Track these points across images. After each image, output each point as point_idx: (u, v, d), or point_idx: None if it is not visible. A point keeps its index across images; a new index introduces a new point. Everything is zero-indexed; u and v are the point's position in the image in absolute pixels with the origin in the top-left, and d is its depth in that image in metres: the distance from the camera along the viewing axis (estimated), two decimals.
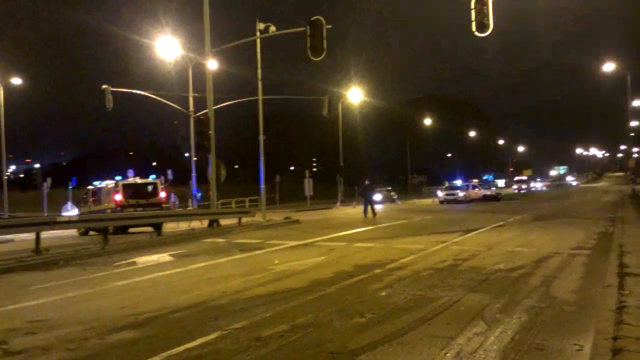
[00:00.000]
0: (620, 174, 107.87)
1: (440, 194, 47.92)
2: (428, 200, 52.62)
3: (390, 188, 55.69)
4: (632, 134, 50.95)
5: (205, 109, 22.91)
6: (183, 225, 22.10)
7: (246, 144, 69.31)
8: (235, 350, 5.13)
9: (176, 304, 7.30)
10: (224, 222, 22.09)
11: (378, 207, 31.86)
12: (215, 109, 24.38)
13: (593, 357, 4.42)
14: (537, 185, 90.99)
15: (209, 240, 17.31)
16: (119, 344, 5.56)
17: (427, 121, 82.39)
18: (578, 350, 4.77)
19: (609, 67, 36.17)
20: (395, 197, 53.70)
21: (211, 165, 21.84)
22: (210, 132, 21.17)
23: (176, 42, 28.48)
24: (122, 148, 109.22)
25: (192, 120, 29.25)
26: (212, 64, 23.46)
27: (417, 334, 5.46)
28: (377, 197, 41.92)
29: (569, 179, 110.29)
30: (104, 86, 26.23)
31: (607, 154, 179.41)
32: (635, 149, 54.28)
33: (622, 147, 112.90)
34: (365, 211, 26.83)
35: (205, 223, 21.59)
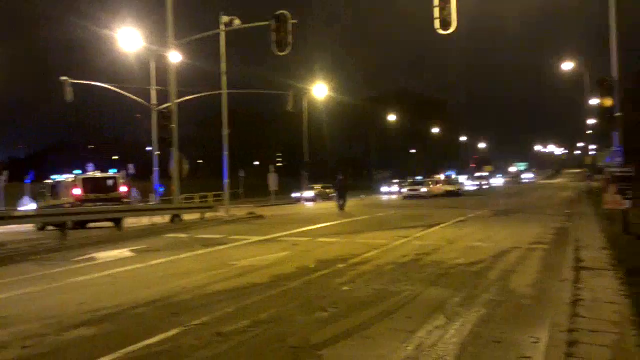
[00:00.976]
0: (578, 170, 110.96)
1: (403, 189, 48.44)
2: (391, 196, 53.13)
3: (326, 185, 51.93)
4: (589, 132, 52.40)
5: (168, 103, 22.56)
6: (144, 221, 21.76)
7: (210, 138, 68.61)
8: (196, 346, 5.09)
9: (136, 300, 7.19)
10: (187, 217, 21.88)
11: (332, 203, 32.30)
12: (178, 103, 24.08)
13: (549, 350, 4.54)
14: (497, 181, 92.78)
15: (171, 235, 17.10)
16: (77, 340, 5.45)
17: (392, 117, 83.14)
18: (534, 343, 4.89)
19: (567, 66, 37.07)
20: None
21: (174, 159, 21.58)
22: (173, 125, 20.91)
23: (139, 33, 27.93)
24: (82, 142, 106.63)
25: (154, 114, 28.78)
26: (176, 57, 23.12)
27: (379, 327, 5.52)
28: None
29: (526, 175, 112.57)
30: (63, 78, 25.57)
31: (565, 151, 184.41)
32: (592, 147, 55.85)
33: (580, 144, 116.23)
34: (340, 205, 28.07)
35: (167, 218, 21.32)
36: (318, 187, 50.77)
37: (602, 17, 13.51)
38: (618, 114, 13.03)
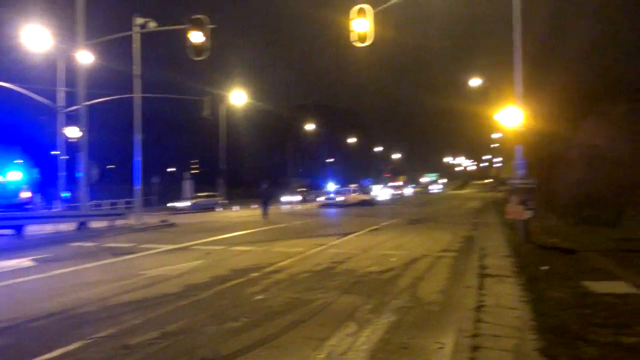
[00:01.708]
0: (484, 182, 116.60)
1: (320, 198, 48.87)
2: (308, 204, 53.41)
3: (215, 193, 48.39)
4: (495, 145, 55.24)
5: (77, 105, 21.53)
6: (48, 228, 20.55)
7: (122, 143, 66.13)
8: (100, 359, 4.84)
9: (35, 313, 6.75)
10: (95, 224, 20.93)
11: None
12: (89, 105, 23.08)
13: (453, 355, 4.68)
14: (408, 191, 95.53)
15: (76, 244, 16.26)
16: None
17: (310, 126, 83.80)
18: (440, 348, 5.04)
19: (475, 82, 38.93)
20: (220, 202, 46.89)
21: (82, 164, 20.60)
22: (81, 129, 19.98)
23: (47, 32, 26.50)
24: None
25: (61, 117, 27.34)
26: (86, 57, 22.13)
27: (291, 336, 5.49)
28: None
29: (433, 187, 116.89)
30: None
31: (473, 163, 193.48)
32: (497, 159, 58.91)
33: (486, 157, 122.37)
34: (264, 213, 28.33)
35: (74, 226, 20.30)
36: (203, 195, 44.83)
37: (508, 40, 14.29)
38: (521, 128, 13.79)
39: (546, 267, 9.02)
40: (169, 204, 41.89)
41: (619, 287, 7.30)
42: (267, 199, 29.49)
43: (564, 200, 21.54)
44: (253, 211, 40.33)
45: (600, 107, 18.81)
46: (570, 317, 5.64)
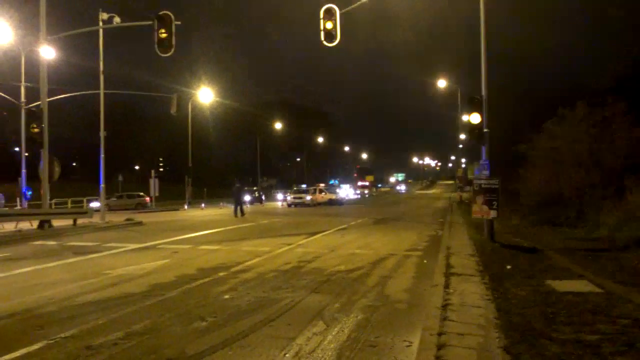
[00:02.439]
0: (450, 182, 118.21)
1: (288, 197, 48.77)
2: (276, 204, 53.29)
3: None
4: (461, 146, 56.03)
5: (39, 101, 20.99)
6: (9, 227, 20.02)
7: (86, 140, 64.76)
8: None
9: None
10: (58, 223, 20.49)
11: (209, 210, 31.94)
12: (51, 101, 22.56)
13: (420, 352, 4.73)
14: (358, 191, 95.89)
15: (38, 242, 15.88)
16: None
17: (278, 125, 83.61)
18: (407, 346, 5.09)
19: (441, 83, 39.50)
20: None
21: (43, 161, 20.11)
22: (43, 125, 19.50)
23: (7, 25, 25.78)
24: None
25: (23, 112, 26.64)
26: (48, 52, 21.60)
27: (258, 336, 5.46)
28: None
29: (399, 187, 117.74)
30: None
31: (439, 164, 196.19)
32: (463, 160, 59.79)
33: (453, 157, 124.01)
34: (235, 211, 28.85)
35: (36, 224, 19.81)
36: (120, 195, 42.60)
37: (475, 43, 14.52)
38: (485, 130, 14.02)
39: (510, 266, 9.20)
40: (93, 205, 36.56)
41: (581, 285, 7.49)
42: (239, 198, 29.89)
43: (527, 200, 22.02)
44: (221, 210, 40.06)
45: (561, 109, 19.26)
46: (533, 315, 5.76)
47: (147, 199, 44.08)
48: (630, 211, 13.06)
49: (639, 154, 14.19)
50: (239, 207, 29.08)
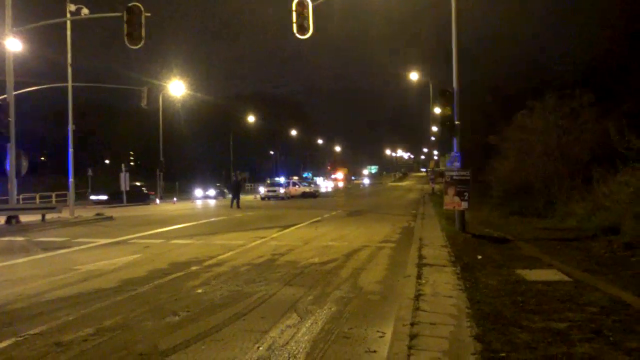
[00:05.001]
0: (423, 174, 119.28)
1: (261, 190, 48.58)
2: (250, 197, 53.08)
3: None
4: (433, 138, 56.56)
5: (5, 94, 20.48)
6: None
7: (55, 134, 63.42)
8: (32, 357, 4.67)
9: None
10: (25, 218, 20.09)
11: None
12: (17, 94, 22.03)
13: (393, 343, 4.76)
14: (332, 184, 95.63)
15: (5, 238, 15.55)
16: None
17: (251, 118, 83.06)
18: (380, 337, 5.12)
19: (414, 76, 39.74)
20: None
21: (10, 155, 19.65)
22: (10, 119, 19.06)
23: None
24: None
25: None
26: (15, 45, 21.05)
27: (232, 329, 5.44)
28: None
29: (363, 180, 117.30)
30: None
31: (412, 156, 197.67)
32: (435, 152, 60.37)
33: (425, 149, 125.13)
34: (232, 203, 31.29)
35: (2, 220, 19.38)
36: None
37: (448, 36, 14.60)
38: (457, 122, 14.16)
39: (481, 257, 9.33)
40: None
41: (550, 274, 7.64)
42: (236, 190, 32.16)
43: (498, 191, 22.34)
44: (193, 204, 39.73)
45: (531, 101, 19.54)
46: (504, 304, 5.85)
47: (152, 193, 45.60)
48: (598, 201, 13.34)
49: (606, 145, 14.48)
50: (235, 200, 31.21)
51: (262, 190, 48.49)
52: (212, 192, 53.91)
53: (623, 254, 9.17)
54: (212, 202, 42.59)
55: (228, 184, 32.55)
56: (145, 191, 44.89)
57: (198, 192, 53.13)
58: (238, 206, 30.64)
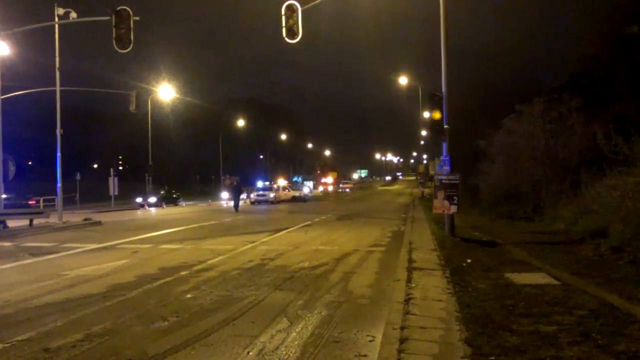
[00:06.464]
0: (413, 178, 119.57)
1: (251, 195, 48.47)
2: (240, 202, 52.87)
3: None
4: (422, 142, 56.73)
5: None
6: None
7: (43, 138, 62.96)
8: None
9: None
10: (13, 223, 19.87)
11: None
12: (4, 98, 21.85)
13: (383, 347, 4.76)
14: (318, 188, 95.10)
15: None
16: None
17: (241, 122, 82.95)
18: (370, 341, 5.12)
19: (403, 80, 39.90)
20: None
21: None
22: None
23: None
24: None
25: None
26: (2, 48, 20.88)
27: (222, 334, 5.41)
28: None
29: (342, 186, 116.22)
30: None
31: (401, 160, 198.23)
32: (424, 156, 60.54)
33: (415, 153, 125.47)
34: (235, 205, 32.58)
35: None
36: None
37: (437, 40, 14.63)
38: (446, 126, 14.21)
39: (470, 260, 9.36)
40: None
41: (538, 278, 7.68)
42: (237, 193, 33.70)
43: (487, 195, 22.45)
44: (182, 209, 39.57)
45: (519, 105, 19.66)
46: (493, 307, 5.87)
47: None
48: (586, 205, 13.44)
49: (594, 149, 14.58)
50: (236, 202, 32.84)
51: (252, 194, 48.34)
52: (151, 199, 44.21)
53: (611, 257, 9.23)
54: (202, 207, 42.34)
55: (225, 187, 35.38)
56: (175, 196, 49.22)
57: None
58: (236, 209, 31.88)
